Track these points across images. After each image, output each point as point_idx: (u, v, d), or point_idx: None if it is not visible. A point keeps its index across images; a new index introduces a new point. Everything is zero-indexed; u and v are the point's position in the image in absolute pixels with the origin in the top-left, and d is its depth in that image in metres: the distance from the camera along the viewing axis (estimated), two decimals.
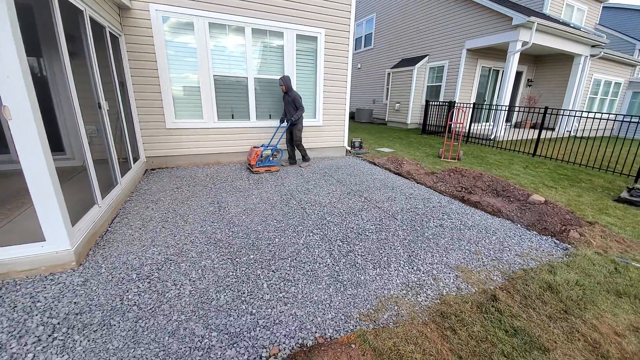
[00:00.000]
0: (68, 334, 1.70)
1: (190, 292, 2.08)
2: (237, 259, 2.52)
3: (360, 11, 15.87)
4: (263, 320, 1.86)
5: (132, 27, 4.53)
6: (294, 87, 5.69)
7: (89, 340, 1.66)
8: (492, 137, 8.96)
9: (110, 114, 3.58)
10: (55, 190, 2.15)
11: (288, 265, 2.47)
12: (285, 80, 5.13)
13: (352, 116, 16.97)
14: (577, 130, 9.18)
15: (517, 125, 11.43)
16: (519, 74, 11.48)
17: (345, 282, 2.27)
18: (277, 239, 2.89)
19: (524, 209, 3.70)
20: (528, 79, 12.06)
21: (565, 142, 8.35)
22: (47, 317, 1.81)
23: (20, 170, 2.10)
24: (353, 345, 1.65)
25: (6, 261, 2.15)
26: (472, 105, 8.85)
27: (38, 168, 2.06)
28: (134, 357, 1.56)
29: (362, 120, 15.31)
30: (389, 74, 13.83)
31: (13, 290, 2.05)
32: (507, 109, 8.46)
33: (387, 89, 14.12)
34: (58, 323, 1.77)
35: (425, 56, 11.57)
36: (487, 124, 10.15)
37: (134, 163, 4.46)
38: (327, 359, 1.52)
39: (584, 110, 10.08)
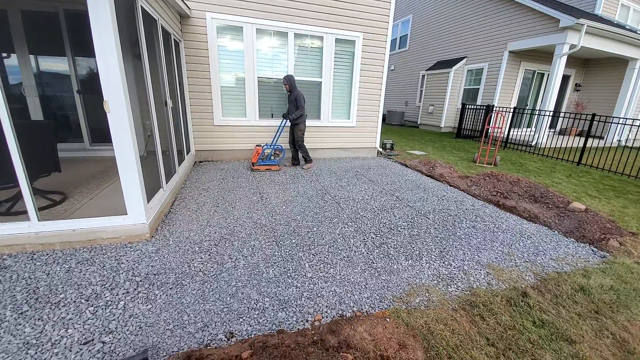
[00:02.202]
0: (149, 289, 2.08)
1: (244, 265, 2.40)
2: (280, 242, 2.82)
3: (397, 13, 15.77)
4: (307, 293, 2.12)
5: (190, 33, 5.06)
6: (324, 89, 5.94)
7: (166, 295, 2.03)
8: (534, 143, 8.57)
9: (173, 111, 4.08)
10: (138, 172, 2.58)
11: (326, 250, 2.72)
12: (289, 80, 5.12)
13: (383, 118, 16.91)
14: (629, 139, 8.48)
15: (562, 132, 10.76)
16: (566, 78, 10.81)
17: (379, 269, 2.48)
18: (315, 228, 3.16)
19: (562, 216, 3.64)
20: (576, 84, 11.31)
21: (614, 151, 7.78)
22: (131, 275, 2.22)
23: (91, 157, 2.55)
24: (388, 319, 1.85)
25: (95, 229, 2.62)
26: (512, 110, 8.55)
27: (127, 153, 2.50)
28: (204, 310, 1.90)
29: (393, 123, 15.24)
30: (423, 76, 13.65)
31: (100, 254, 2.50)
32: (550, 114, 8.07)
33: (421, 91, 13.94)
34: (140, 280, 2.17)
35: (462, 58, 11.31)
36: (529, 129, 9.71)
37: (186, 155, 4.99)
38: (365, 327, 1.74)
39: (638, 118, 9.28)
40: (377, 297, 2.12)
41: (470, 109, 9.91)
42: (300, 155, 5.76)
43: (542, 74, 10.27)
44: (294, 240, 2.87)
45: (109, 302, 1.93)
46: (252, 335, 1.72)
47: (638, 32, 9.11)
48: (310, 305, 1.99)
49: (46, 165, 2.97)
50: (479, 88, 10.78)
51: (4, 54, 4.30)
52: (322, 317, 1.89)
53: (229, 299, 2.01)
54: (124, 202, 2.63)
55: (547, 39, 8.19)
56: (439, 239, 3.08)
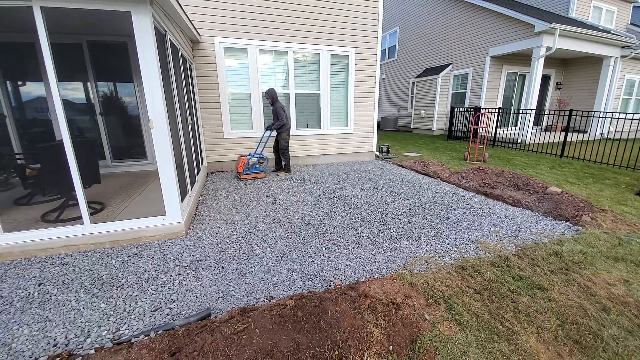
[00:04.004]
0: (196, 270, 2.51)
1: (270, 251, 2.83)
2: (298, 232, 3.26)
3: (384, 25, 16.66)
4: (326, 267, 2.55)
5: (200, 56, 5.61)
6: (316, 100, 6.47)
7: (212, 275, 2.45)
8: (520, 140, 9.15)
9: (191, 127, 4.56)
10: (175, 178, 3.03)
11: (338, 237, 3.16)
12: (270, 94, 5.49)
13: (377, 125, 17.53)
14: (610, 132, 9.09)
15: (548, 129, 11.40)
16: (546, 78, 11.54)
17: (384, 248, 2.92)
18: (326, 221, 3.60)
19: (541, 200, 4.12)
20: (557, 82, 12.04)
21: (598, 144, 8.36)
22: (178, 262, 2.64)
23: (113, 172, 2.98)
24: (395, 280, 2.29)
25: (139, 229, 3.04)
26: (497, 110, 9.16)
27: (167, 162, 2.95)
28: (245, 283, 2.32)
29: (387, 129, 15.86)
30: (413, 83, 14.36)
31: (146, 248, 2.92)
32: (532, 112, 8.67)
33: (412, 97, 14.63)
34: (187, 265, 2.59)
35: (448, 65, 12.03)
36: (515, 128, 10.32)
37: (201, 166, 5.45)
38: (377, 285, 2.17)
39: (616, 111, 9.93)
40: (385, 267, 2.56)
41: (459, 111, 10.54)
42: (282, 163, 6.01)
43: (524, 76, 10.97)
44: (309, 231, 3.30)
45: (166, 282, 2.35)
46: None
47: (609, 31, 9.88)
48: (330, 276, 2.42)
49: (90, 177, 3.41)
50: (466, 92, 11.45)
51: (32, 82, 4.80)
52: (342, 283, 2.32)
53: (263, 274, 2.44)
54: (163, 204, 3.06)
55: (524, 43, 8.90)
56: (434, 224, 3.52)
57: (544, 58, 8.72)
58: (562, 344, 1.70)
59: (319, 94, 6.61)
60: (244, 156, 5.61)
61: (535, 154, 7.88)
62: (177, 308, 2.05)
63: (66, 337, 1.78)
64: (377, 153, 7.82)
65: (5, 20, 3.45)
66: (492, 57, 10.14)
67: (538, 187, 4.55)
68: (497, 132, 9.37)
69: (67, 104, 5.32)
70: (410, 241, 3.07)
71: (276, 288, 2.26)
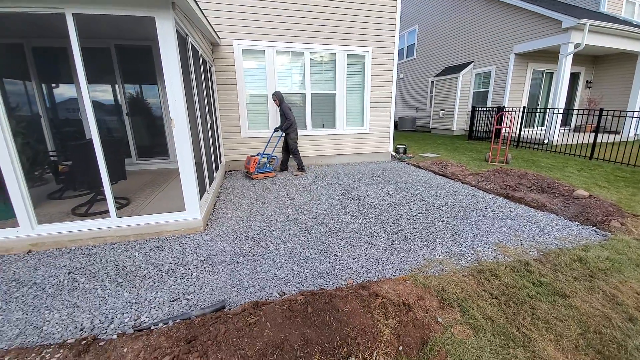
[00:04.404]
0: (213, 265, 2.59)
1: (284, 248, 2.88)
2: (311, 231, 3.29)
3: (402, 24, 16.42)
4: (339, 266, 2.57)
5: (220, 59, 5.78)
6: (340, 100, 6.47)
7: (227, 269, 2.53)
8: (546, 141, 8.73)
9: (210, 127, 4.71)
10: (195, 175, 3.14)
11: (351, 236, 3.16)
12: (277, 96, 5.66)
13: (395, 125, 17.30)
14: None
15: (577, 130, 10.78)
16: (575, 76, 10.93)
17: (398, 249, 2.89)
18: (339, 220, 3.61)
19: (567, 203, 3.92)
20: (587, 80, 11.37)
21: (631, 145, 7.82)
22: (196, 256, 2.74)
23: (138, 170, 3.11)
24: (407, 282, 2.26)
25: (161, 223, 3.18)
26: (522, 109, 8.79)
27: (187, 160, 3.07)
28: (258, 278, 2.38)
29: (405, 129, 15.61)
30: (432, 82, 14.06)
31: (167, 242, 3.05)
32: (559, 112, 8.25)
33: (431, 97, 14.32)
34: (204, 259, 2.69)
35: (470, 63, 11.67)
36: (542, 128, 9.85)
37: (219, 164, 5.61)
38: (389, 285, 2.15)
39: None
40: (398, 268, 2.53)
41: (481, 111, 10.19)
42: (296, 162, 6.11)
43: (551, 73, 10.45)
44: (322, 230, 3.33)
45: (184, 274, 2.45)
46: None
47: None
48: (342, 274, 2.43)
49: (117, 174, 3.60)
50: (488, 90, 11.06)
51: (58, 84, 5.13)
52: (353, 282, 2.32)
53: (276, 270, 2.49)
54: (183, 200, 3.19)
55: (551, 40, 8.48)
56: (451, 226, 3.44)
57: (572, 55, 8.27)
58: (582, 353, 1.62)
59: (335, 94, 6.62)
60: (254, 156, 5.73)
61: (563, 156, 7.49)
62: (194, 299, 2.14)
63: (92, 323, 1.90)
64: (394, 153, 7.72)
65: (40, 26, 3.72)
66: (516, 54, 9.74)
67: (564, 190, 4.33)
68: (522, 133, 8.99)
69: (97, 105, 5.65)
70: (425, 243, 3.02)
71: (288, 284, 2.30)
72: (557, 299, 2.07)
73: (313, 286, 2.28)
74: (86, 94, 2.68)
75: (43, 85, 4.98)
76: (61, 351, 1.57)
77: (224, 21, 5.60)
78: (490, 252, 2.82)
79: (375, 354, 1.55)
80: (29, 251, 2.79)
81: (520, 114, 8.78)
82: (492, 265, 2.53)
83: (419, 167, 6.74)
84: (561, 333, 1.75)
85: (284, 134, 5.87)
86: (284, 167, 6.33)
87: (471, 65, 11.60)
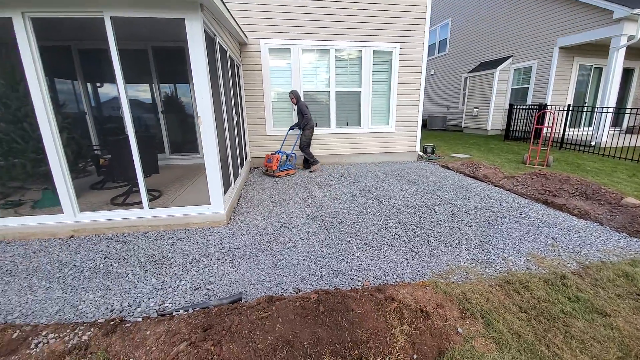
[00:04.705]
0: (233, 257, 2.67)
1: (302, 245, 2.90)
2: (331, 230, 3.27)
3: (435, 18, 15.75)
4: (356, 267, 2.53)
5: (247, 58, 5.92)
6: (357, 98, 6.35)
7: (246, 262, 2.59)
8: (594, 143, 7.94)
9: (236, 124, 4.85)
10: (219, 171, 3.26)
11: (371, 237, 3.10)
12: (294, 94, 5.78)
13: (424, 124, 16.73)
14: None
15: (630, 131, 9.66)
16: (629, 72, 9.78)
17: (419, 253, 2.78)
18: (360, 220, 3.55)
19: (615, 212, 3.52)
20: None
21: None
22: (218, 248, 2.84)
23: (170, 164, 3.23)
24: (427, 287, 2.17)
25: (188, 216, 3.34)
26: (566, 108, 8.06)
27: (212, 156, 3.19)
28: (275, 274, 2.41)
29: (435, 128, 15.01)
30: (465, 78, 13.36)
31: (193, 234, 3.19)
32: (610, 111, 7.45)
33: (464, 94, 13.62)
34: (225, 252, 2.78)
35: (508, 57, 10.91)
36: (589, 129, 8.97)
37: (245, 161, 5.77)
38: (407, 290, 2.08)
39: None
40: (418, 273, 2.44)
41: (520, 109, 9.51)
42: (309, 159, 6.17)
43: (600, 69, 9.45)
44: (342, 229, 3.30)
45: (207, 265, 2.55)
46: None
47: None
48: (359, 275, 2.39)
49: (150, 168, 3.83)
50: (528, 87, 10.27)
51: (102, 84, 5.54)
52: (370, 283, 2.27)
53: (293, 267, 2.51)
54: (209, 194, 3.32)
55: (600, 32, 7.65)
56: (480, 232, 3.25)
57: (624, 49, 7.40)
58: None
59: (360, 91, 6.51)
60: (274, 153, 5.79)
61: (612, 159, 6.76)
62: (214, 289, 2.22)
63: (121, 305, 2.04)
64: (421, 153, 7.45)
65: (85, 29, 4.04)
66: (560, 48, 8.92)
67: (611, 197, 3.90)
68: (566, 133, 8.24)
69: (136, 103, 6.06)
70: (450, 248, 2.88)
71: (304, 281, 2.31)
72: (596, 318, 1.87)
73: (329, 285, 2.26)
74: (123, 92, 2.87)
75: (88, 84, 5.44)
76: (92, 329, 1.70)
77: (252, 21, 5.72)
78: (522, 262, 2.62)
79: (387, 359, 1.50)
80: (71, 236, 3.07)
81: (565, 112, 8.06)
82: (524, 277, 2.35)
83: (448, 168, 6.44)
84: (597, 355, 1.58)
85: (301, 132, 5.95)
86: (306, 165, 6.36)
87: (509, 60, 10.84)
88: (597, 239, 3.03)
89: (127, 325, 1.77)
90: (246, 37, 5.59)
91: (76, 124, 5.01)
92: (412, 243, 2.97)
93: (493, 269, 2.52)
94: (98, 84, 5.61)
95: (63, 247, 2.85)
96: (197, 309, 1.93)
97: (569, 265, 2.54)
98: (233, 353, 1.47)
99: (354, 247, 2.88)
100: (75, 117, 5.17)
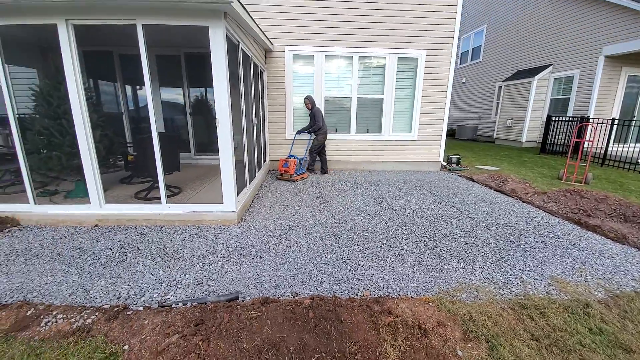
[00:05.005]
0: (238, 257, 2.72)
1: (307, 250, 2.88)
2: (338, 236, 3.22)
3: (468, 24, 15.25)
4: (358, 275, 2.46)
5: (272, 64, 6.10)
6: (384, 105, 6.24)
7: (250, 262, 2.62)
8: None
9: (256, 127, 4.99)
10: (233, 172, 3.35)
11: (379, 247, 3.01)
12: (310, 99, 5.88)
13: (452, 133, 16.13)
14: None
15: None
16: None
17: (428, 267, 2.65)
18: (370, 228, 3.47)
19: None
20: None
21: None
22: (225, 247, 2.91)
23: (194, 164, 3.34)
24: (430, 304, 2.05)
25: (201, 213, 3.46)
26: (611, 121, 7.37)
27: (227, 157, 3.29)
28: (276, 276, 2.42)
29: (464, 138, 14.40)
30: (499, 87, 12.72)
31: (204, 230, 3.30)
32: None
33: (497, 103, 12.97)
34: (232, 250, 2.84)
35: (547, 66, 10.23)
36: (637, 145, 8.12)
37: (263, 163, 5.90)
38: (407, 305, 1.98)
39: None
40: (423, 288, 2.32)
41: (559, 121, 8.84)
42: (317, 161, 6.27)
43: None
44: (350, 236, 3.24)
45: (212, 262, 2.62)
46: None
47: None
48: (360, 285, 2.33)
49: (172, 166, 4.04)
50: (569, 98, 9.55)
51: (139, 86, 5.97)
52: (370, 294, 2.20)
53: (294, 271, 2.50)
54: (222, 194, 3.42)
55: None
56: (498, 249, 3.04)
57: None
58: None
59: (382, 98, 6.43)
60: (290, 157, 5.79)
61: None
62: (215, 286, 2.27)
63: (127, 293, 2.15)
64: (444, 163, 7.17)
65: (125, 35, 4.39)
66: (606, 57, 8.21)
67: None
68: (610, 149, 7.52)
69: (171, 105, 6.46)
70: (462, 264, 2.72)
71: (303, 286, 2.29)
72: (618, 353, 1.66)
73: (327, 292, 2.22)
74: (149, 94, 3.08)
75: (127, 86, 5.89)
76: (96, 314, 1.81)
77: (278, 28, 5.90)
78: (542, 286, 2.40)
79: None
80: (96, 225, 3.30)
81: (609, 126, 7.36)
82: (541, 301, 2.15)
83: (472, 180, 6.13)
84: None
85: (312, 136, 6.06)
86: (323, 169, 6.38)
87: (549, 69, 10.16)
88: (633, 267, 2.70)
89: (129, 313, 1.86)
90: (271, 44, 5.77)
91: (112, 123, 5.44)
92: (421, 256, 2.85)
93: (508, 290, 2.33)
94: (137, 87, 6.06)
95: (86, 235, 3.08)
96: (195, 303, 1.98)
97: (595, 292, 2.28)
98: (219, 350, 1.49)
99: (360, 255, 2.82)
100: (112, 116, 5.61)
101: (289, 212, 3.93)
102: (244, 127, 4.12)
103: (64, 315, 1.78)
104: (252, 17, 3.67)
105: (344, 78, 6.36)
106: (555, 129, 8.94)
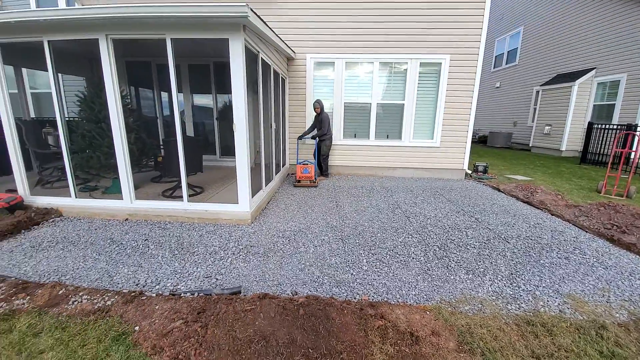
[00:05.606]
0: (247, 255, 2.86)
1: (313, 252, 2.96)
2: (346, 240, 3.27)
3: (504, 26, 14.55)
4: (360, 280, 2.49)
5: (293, 71, 6.31)
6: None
7: (257, 260, 2.76)
8: None
9: (275, 132, 5.19)
10: (248, 174, 3.54)
11: (385, 253, 3.00)
12: (320, 103, 5.86)
13: (483, 140, 15.38)
14: None
15: None
16: None
17: (433, 276, 2.60)
18: (379, 234, 3.47)
19: None
20: None
21: None
22: (237, 244, 3.08)
23: (219, 166, 3.55)
24: (428, 312, 2.03)
25: (218, 212, 3.68)
26: None
27: (243, 160, 3.48)
28: (279, 274, 2.52)
29: (496, 145, 13.68)
30: (537, 92, 11.96)
31: (219, 228, 3.51)
32: None
33: (534, 109, 12.20)
34: (241, 248, 2.99)
35: (590, 70, 9.46)
36: None
37: (282, 167, 6.09)
38: (403, 311, 1.98)
39: None
40: (424, 296, 2.29)
41: (602, 129, 8.13)
42: (323, 168, 6.38)
43: None
44: (357, 241, 3.26)
45: (222, 258, 2.79)
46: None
47: None
48: (360, 289, 2.35)
49: (194, 167, 4.34)
50: (614, 104, 8.74)
51: (178, 93, 6.46)
52: (368, 298, 2.22)
53: (298, 271, 2.59)
54: (237, 195, 3.62)
55: None
56: (514, 263, 2.89)
57: None
58: None
59: (403, 104, 6.36)
60: (305, 163, 5.75)
61: None
62: (222, 280, 2.42)
63: (145, 281, 2.37)
64: (469, 171, 6.89)
65: (160, 47, 4.82)
66: None
67: None
68: None
69: (201, 110, 6.93)
70: (470, 276, 2.63)
71: (304, 286, 2.37)
72: None
73: (327, 293, 2.28)
74: (175, 100, 3.37)
75: (162, 93, 6.41)
76: (116, 297, 2.03)
77: (300, 37, 6.10)
78: (556, 304, 2.26)
79: None
80: (126, 219, 3.65)
81: None
82: (551, 319, 2.03)
83: (498, 190, 5.84)
84: None
85: (317, 141, 6.11)
86: (325, 173, 6.44)
87: (592, 73, 9.38)
88: None
89: (143, 298, 2.06)
90: (293, 52, 5.98)
91: (147, 126, 5.96)
92: (428, 265, 2.80)
93: (516, 305, 2.23)
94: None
95: (117, 228, 3.42)
96: (202, 294, 2.14)
97: (616, 314, 2.11)
98: (215, 337, 1.61)
99: (364, 260, 2.84)
100: (147, 120, 6.15)
101: (301, 215, 4.04)
102: (262, 132, 4.32)
103: (89, 297, 2.02)
104: (270, 29, 3.86)
105: (364, 84, 6.40)
106: (597, 138, 8.22)
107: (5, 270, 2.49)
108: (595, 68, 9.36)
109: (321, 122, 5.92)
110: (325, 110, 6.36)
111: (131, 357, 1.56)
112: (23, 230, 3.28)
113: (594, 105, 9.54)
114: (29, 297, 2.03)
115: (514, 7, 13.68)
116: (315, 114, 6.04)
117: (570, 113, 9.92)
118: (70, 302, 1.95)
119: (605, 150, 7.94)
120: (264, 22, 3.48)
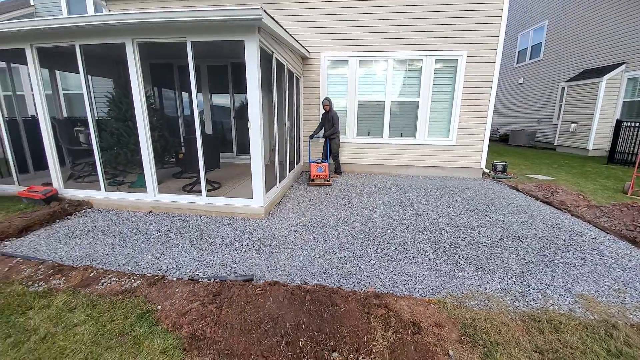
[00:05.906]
0: (260, 246, 3.01)
1: (323, 245, 3.06)
2: (355, 235, 3.34)
3: (527, 20, 13.98)
4: (367, 273, 2.56)
5: (308, 70, 6.42)
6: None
7: (269, 252, 2.89)
8: None
9: (289, 130, 5.33)
10: (262, 171, 3.68)
11: (394, 249, 3.05)
12: (329, 101, 5.89)
13: (505, 139, 14.88)
14: None
15: None
16: None
17: (441, 272, 2.63)
18: (389, 231, 3.51)
19: None
20: None
21: None
22: (251, 237, 3.23)
23: (235, 163, 3.71)
24: (432, 305, 2.08)
25: (234, 206, 3.86)
26: None
27: (257, 157, 3.63)
28: (290, 266, 2.64)
29: (518, 144, 13.22)
30: (563, 88, 11.44)
31: (235, 221, 3.68)
32: None
33: (560, 106, 11.68)
34: (255, 240, 3.14)
35: (620, 64, 8.95)
36: None
37: (296, 164, 6.22)
38: (407, 303, 2.04)
39: None
40: (430, 291, 2.33)
41: (631, 127, 7.70)
42: (335, 166, 6.43)
43: None
44: (367, 237, 3.33)
45: (237, 248, 2.95)
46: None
47: None
48: (367, 282, 2.43)
49: (212, 163, 4.54)
50: None
51: (198, 93, 6.74)
52: (375, 290, 2.29)
53: (307, 263, 2.70)
54: (252, 190, 3.78)
55: None
56: (526, 262, 2.87)
57: None
58: None
59: (418, 101, 6.32)
60: (319, 161, 5.78)
61: None
62: (236, 268, 2.58)
63: (167, 267, 2.56)
64: (487, 170, 6.74)
65: (181, 50, 5.07)
66: None
67: None
68: None
69: (220, 109, 7.19)
70: (479, 273, 2.64)
71: (313, 277, 2.47)
72: None
73: (334, 284, 2.37)
74: (195, 100, 3.56)
75: (183, 93, 6.72)
76: (141, 280, 2.22)
77: (314, 37, 6.20)
78: (566, 303, 2.24)
79: (360, 358, 1.56)
80: (150, 211, 3.90)
81: None
82: (559, 317, 2.02)
83: (517, 190, 5.69)
84: None
85: (328, 139, 6.14)
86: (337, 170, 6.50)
87: (622, 68, 8.87)
88: None
89: (165, 281, 2.24)
90: (308, 51, 6.09)
91: (169, 125, 6.28)
92: (437, 261, 2.83)
93: (524, 302, 2.23)
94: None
95: (142, 219, 3.67)
96: (217, 280, 2.29)
97: (630, 315, 2.07)
98: (229, 317, 1.75)
99: (373, 254, 2.90)
100: (169, 119, 6.47)
101: (313, 211, 4.15)
102: (276, 130, 4.46)
103: (117, 279, 2.23)
104: (285, 29, 3.98)
105: (378, 82, 6.41)
106: (626, 136, 7.77)
107: (43, 254, 2.77)
108: (625, 63, 8.84)
109: (332, 120, 5.95)
110: (338, 108, 6.44)
111: (154, 332, 1.72)
112: (58, 220, 3.59)
113: (624, 102, 9.02)
114: (64, 278, 2.26)
115: (538, 0, 13.11)
116: (324, 111, 6.08)
117: (597, 110, 9.43)
118: (101, 283, 2.16)
119: (635, 149, 7.51)
120: (278, 24, 3.60)
